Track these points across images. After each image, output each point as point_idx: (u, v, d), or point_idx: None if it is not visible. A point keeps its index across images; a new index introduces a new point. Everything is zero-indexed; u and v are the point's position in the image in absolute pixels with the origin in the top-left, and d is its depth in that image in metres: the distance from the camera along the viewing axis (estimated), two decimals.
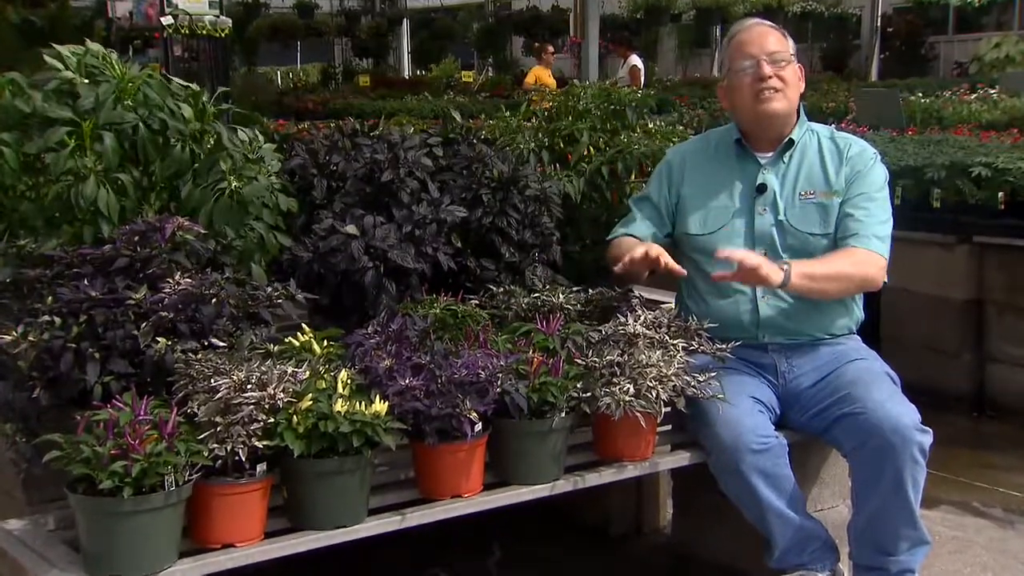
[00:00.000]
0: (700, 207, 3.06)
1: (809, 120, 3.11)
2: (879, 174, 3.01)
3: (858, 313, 3.07)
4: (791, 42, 3.05)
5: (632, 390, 2.55)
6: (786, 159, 3.03)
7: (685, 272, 2.96)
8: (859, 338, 3.08)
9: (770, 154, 3.04)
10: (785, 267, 2.78)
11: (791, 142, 3.03)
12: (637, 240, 3.06)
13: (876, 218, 2.94)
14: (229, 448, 2.14)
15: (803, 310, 2.95)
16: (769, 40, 3.00)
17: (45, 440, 2.13)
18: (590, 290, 3.09)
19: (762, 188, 3.00)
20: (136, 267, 2.48)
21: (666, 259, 2.87)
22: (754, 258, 2.77)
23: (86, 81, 2.77)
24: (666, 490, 3.53)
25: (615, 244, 3.15)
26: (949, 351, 5.35)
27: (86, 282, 2.41)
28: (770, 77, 2.95)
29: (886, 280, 2.96)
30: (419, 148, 3.16)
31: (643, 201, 3.19)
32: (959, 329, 5.31)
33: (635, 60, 13.59)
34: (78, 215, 2.66)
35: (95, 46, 2.87)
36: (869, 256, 2.90)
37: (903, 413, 2.69)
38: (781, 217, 2.97)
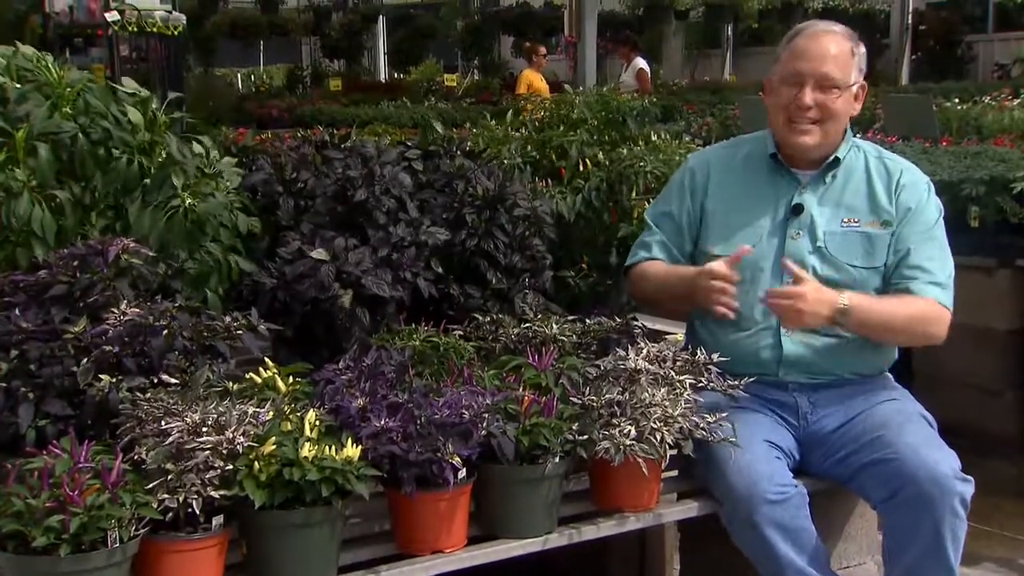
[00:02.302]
0: (724, 225, 3.05)
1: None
2: (934, 207, 3.02)
3: (892, 353, 3.08)
4: (858, 57, 2.97)
5: (634, 432, 2.55)
6: (828, 179, 3.02)
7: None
8: (890, 376, 3.09)
9: (811, 172, 3.02)
10: (843, 305, 2.80)
11: (836, 161, 3.01)
12: (665, 264, 3.07)
13: (937, 261, 2.96)
14: (181, 499, 2.13)
15: (832, 348, 2.95)
16: (828, 61, 2.91)
17: None
18: (587, 320, 3.10)
19: (798, 209, 2.99)
20: (75, 295, 2.48)
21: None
22: (811, 285, 2.80)
23: (18, 85, 2.78)
24: (672, 543, 3.50)
25: (641, 275, 3.13)
26: (991, 388, 5.34)
27: (18, 312, 2.40)
28: (809, 109, 2.91)
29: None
30: (396, 163, 3.18)
31: (663, 216, 3.14)
32: (1002, 363, 5.31)
33: (641, 63, 13.58)
34: (10, 236, 2.66)
35: (27, 49, 2.89)
36: (932, 309, 2.91)
37: (940, 460, 2.69)
38: (820, 244, 2.96)
